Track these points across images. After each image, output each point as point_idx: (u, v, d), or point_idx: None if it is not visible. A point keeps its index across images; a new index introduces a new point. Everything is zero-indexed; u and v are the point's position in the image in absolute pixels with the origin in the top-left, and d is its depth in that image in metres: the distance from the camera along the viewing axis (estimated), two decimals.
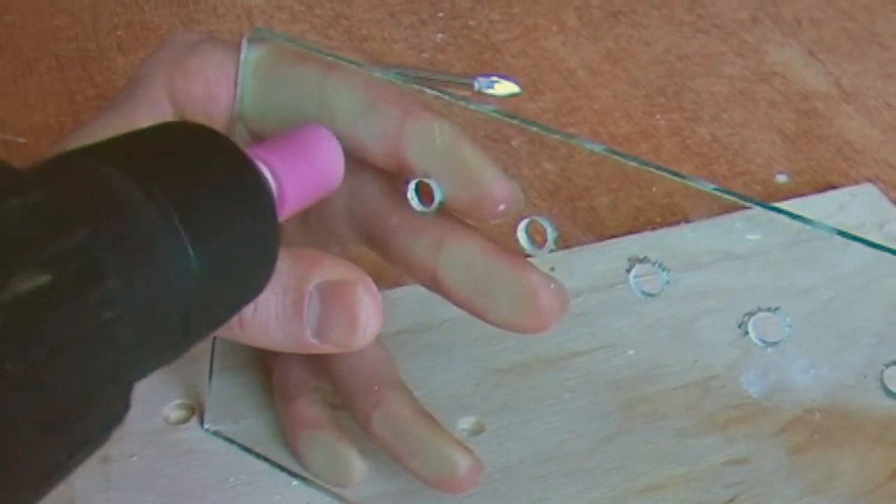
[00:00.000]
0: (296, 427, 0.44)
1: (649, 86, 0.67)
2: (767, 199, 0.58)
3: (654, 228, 0.55)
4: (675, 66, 0.69)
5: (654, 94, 0.66)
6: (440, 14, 0.72)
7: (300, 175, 0.36)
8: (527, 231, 0.37)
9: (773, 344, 0.38)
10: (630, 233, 0.55)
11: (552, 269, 0.50)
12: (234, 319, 0.36)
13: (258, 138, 0.39)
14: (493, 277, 0.38)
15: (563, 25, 0.72)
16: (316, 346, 0.36)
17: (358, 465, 0.43)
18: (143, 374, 0.29)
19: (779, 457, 0.45)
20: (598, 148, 0.38)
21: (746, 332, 0.38)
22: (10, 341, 0.23)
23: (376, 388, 0.42)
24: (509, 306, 0.38)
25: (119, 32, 0.71)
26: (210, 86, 0.40)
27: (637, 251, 0.50)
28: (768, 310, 0.38)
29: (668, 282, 0.38)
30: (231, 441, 0.45)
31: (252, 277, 0.33)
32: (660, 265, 0.39)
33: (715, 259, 0.52)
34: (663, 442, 0.45)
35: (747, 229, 0.55)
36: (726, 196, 0.41)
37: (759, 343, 0.38)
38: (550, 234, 0.37)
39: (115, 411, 0.27)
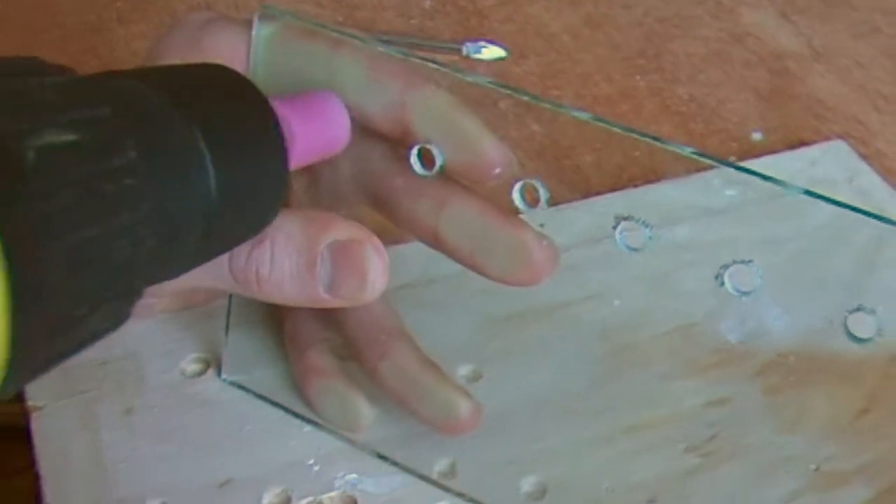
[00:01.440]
0: (307, 376, 0.47)
1: (629, 48, 0.70)
2: (743, 155, 0.61)
3: (636, 185, 0.58)
4: (654, 28, 0.71)
5: (633, 56, 0.69)
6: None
7: (310, 130, 0.39)
8: (521, 192, 0.40)
9: (747, 293, 0.41)
10: (613, 190, 0.58)
11: (542, 225, 0.53)
12: (252, 277, 0.39)
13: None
14: (489, 235, 0.41)
15: None
16: (328, 300, 0.39)
17: (366, 411, 0.46)
18: (163, 272, 0.32)
19: (755, 397, 0.48)
20: (584, 116, 0.41)
21: (723, 283, 0.41)
22: (41, 180, 0.26)
23: (383, 338, 0.45)
24: (505, 262, 0.41)
25: (118, 4, 0.73)
26: (224, 61, 0.43)
27: (621, 208, 0.53)
28: (742, 262, 0.41)
29: (650, 237, 0.41)
30: (246, 390, 0.48)
31: (263, 207, 0.36)
32: (643, 222, 0.42)
33: (694, 214, 0.55)
34: (648, 385, 0.49)
35: (724, 185, 0.58)
36: (703, 159, 0.44)
37: (734, 292, 0.41)
38: (543, 194, 0.40)
39: (134, 281, 0.29)
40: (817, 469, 0.45)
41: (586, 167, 0.60)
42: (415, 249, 0.46)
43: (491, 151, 0.40)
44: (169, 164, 0.31)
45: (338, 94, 0.40)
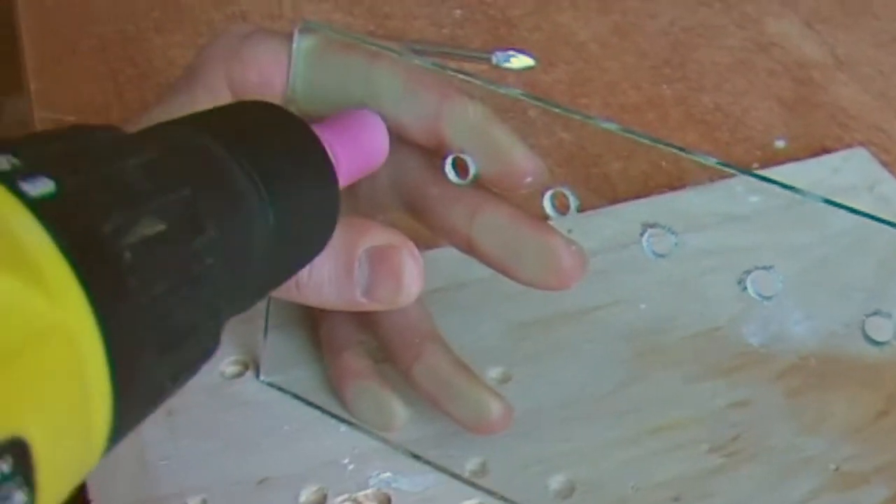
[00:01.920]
0: (343, 378, 0.48)
1: (655, 57, 0.71)
2: (766, 163, 0.62)
3: (661, 192, 0.59)
4: (680, 37, 0.73)
5: (660, 65, 0.70)
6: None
7: (352, 151, 0.41)
8: (551, 199, 0.42)
9: (768, 298, 0.42)
10: (639, 196, 0.59)
11: (570, 230, 0.55)
12: (292, 282, 0.41)
13: (308, 120, 0.44)
14: (520, 241, 0.42)
15: (574, 0, 0.76)
16: (364, 304, 0.41)
17: (400, 411, 0.47)
18: (232, 313, 0.34)
19: (777, 399, 0.50)
20: (612, 127, 0.42)
21: (745, 288, 0.43)
22: (138, 275, 0.27)
23: (417, 341, 0.46)
24: (536, 267, 0.42)
25: (155, 14, 0.75)
26: (264, 73, 0.45)
27: (647, 214, 0.55)
28: (763, 268, 0.42)
29: (676, 243, 0.43)
30: (283, 391, 0.49)
31: (318, 235, 0.38)
32: (669, 229, 0.44)
33: (718, 220, 0.56)
34: (673, 387, 0.50)
35: (747, 193, 0.59)
36: (724, 167, 0.46)
37: (756, 297, 0.42)
38: (572, 202, 0.42)
39: (210, 343, 0.32)
40: (837, 469, 0.47)
41: (613, 175, 0.61)
42: (446, 254, 0.48)
43: (522, 161, 0.42)
44: (240, 229, 0.33)
45: (374, 111, 0.42)
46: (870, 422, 0.49)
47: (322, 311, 0.50)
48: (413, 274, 0.41)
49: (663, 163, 0.58)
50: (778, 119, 0.66)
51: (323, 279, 0.41)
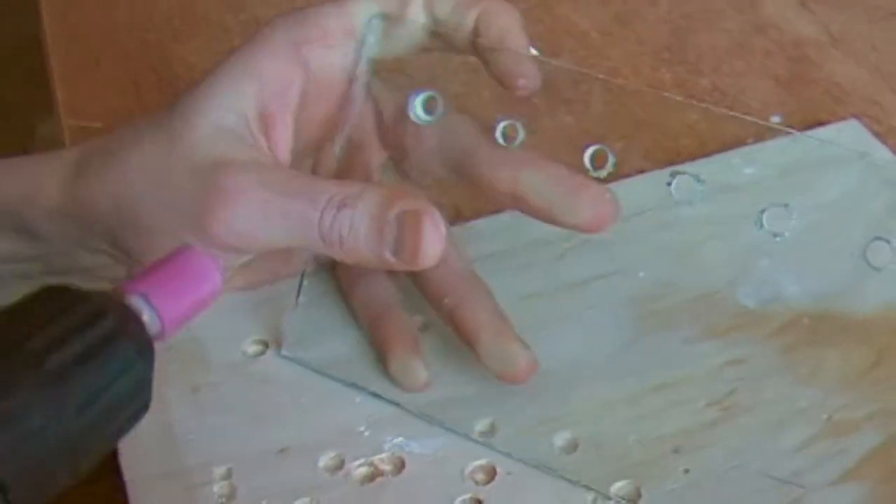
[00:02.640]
0: (386, 342, 0.52)
1: (655, 43, 0.73)
2: (761, 137, 0.64)
3: (661, 168, 0.62)
4: (679, 23, 0.75)
5: (659, 51, 0.73)
6: None
7: (178, 298, 0.42)
8: (592, 157, 0.48)
9: (781, 234, 0.47)
10: (640, 172, 0.61)
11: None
12: (336, 239, 0.45)
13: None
14: (562, 193, 0.48)
15: None
16: (392, 263, 0.45)
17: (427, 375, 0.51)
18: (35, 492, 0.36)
19: (772, 356, 0.52)
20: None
21: (762, 226, 0.48)
22: None
23: (461, 286, 0.51)
24: (576, 214, 0.48)
25: (174, 23, 0.78)
26: (327, 33, 0.50)
27: (645, 189, 0.58)
28: (780, 205, 0.47)
29: (702, 191, 0.48)
30: (304, 365, 0.52)
31: (127, 407, 0.40)
32: (696, 177, 0.48)
33: (714, 191, 0.59)
34: (671, 348, 0.52)
35: (743, 164, 0.61)
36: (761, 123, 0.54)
37: (771, 233, 0.47)
38: (610, 158, 0.48)
39: None
40: (829, 418, 0.49)
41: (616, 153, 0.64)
42: (455, 233, 0.51)
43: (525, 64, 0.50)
44: (22, 416, 0.35)
45: (202, 249, 0.45)
46: (862, 373, 0.51)
47: (355, 279, 0.54)
48: (433, 238, 0.45)
49: (661, 137, 0.61)
50: (774, 97, 0.69)
51: (360, 237, 0.45)
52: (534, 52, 0.66)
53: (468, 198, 0.57)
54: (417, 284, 0.53)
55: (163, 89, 0.72)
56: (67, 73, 0.74)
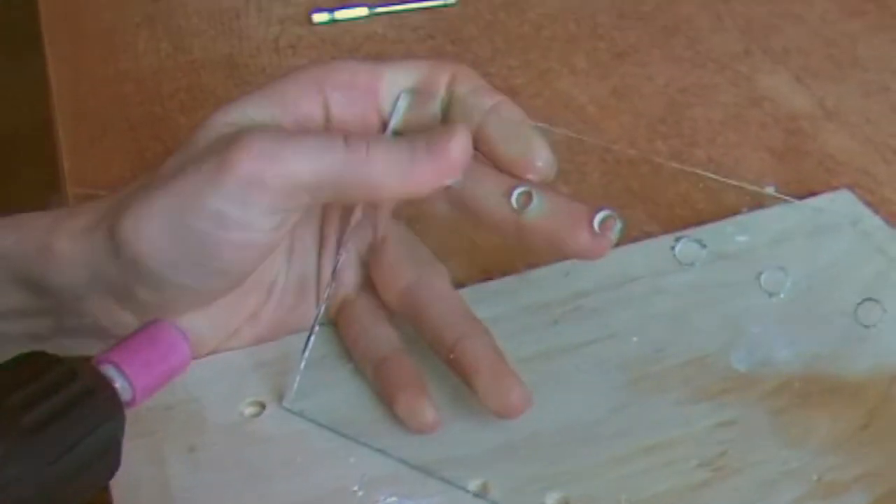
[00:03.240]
0: (391, 387, 0.53)
1: (651, 116, 0.75)
2: (756, 206, 0.65)
3: (655, 237, 0.63)
4: (675, 97, 0.77)
5: (656, 123, 0.74)
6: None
7: (149, 367, 0.46)
8: (601, 220, 0.49)
9: (776, 294, 0.49)
10: (633, 241, 0.62)
11: (567, 274, 0.58)
12: (362, 151, 0.48)
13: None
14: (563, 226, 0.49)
15: (573, 67, 0.80)
16: (424, 163, 0.48)
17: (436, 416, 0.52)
18: None
19: (762, 418, 0.52)
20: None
21: (760, 288, 0.49)
22: None
23: (460, 324, 0.53)
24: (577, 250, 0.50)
25: (180, 96, 0.79)
26: (353, 85, 0.52)
27: (638, 258, 0.59)
28: (777, 268, 0.49)
29: (705, 255, 0.50)
30: (305, 418, 0.53)
31: (98, 464, 0.43)
32: (699, 242, 0.50)
33: (707, 259, 0.60)
34: (663, 410, 0.53)
35: (735, 232, 0.62)
36: (736, 184, 0.54)
37: (766, 293, 0.49)
38: (618, 224, 0.49)
39: None
40: (819, 479, 0.49)
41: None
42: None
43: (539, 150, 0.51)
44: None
45: (172, 322, 0.49)
46: (851, 435, 0.51)
47: (358, 329, 0.56)
48: (464, 137, 0.49)
49: (655, 208, 0.62)
50: (768, 168, 0.70)
51: (387, 143, 0.49)
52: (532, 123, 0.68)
53: (462, 264, 0.58)
54: (418, 325, 0.54)
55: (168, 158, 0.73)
56: (75, 143, 0.75)
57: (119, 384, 0.45)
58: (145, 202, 0.49)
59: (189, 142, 0.51)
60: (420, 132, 0.50)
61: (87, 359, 0.45)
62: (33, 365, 0.42)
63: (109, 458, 0.43)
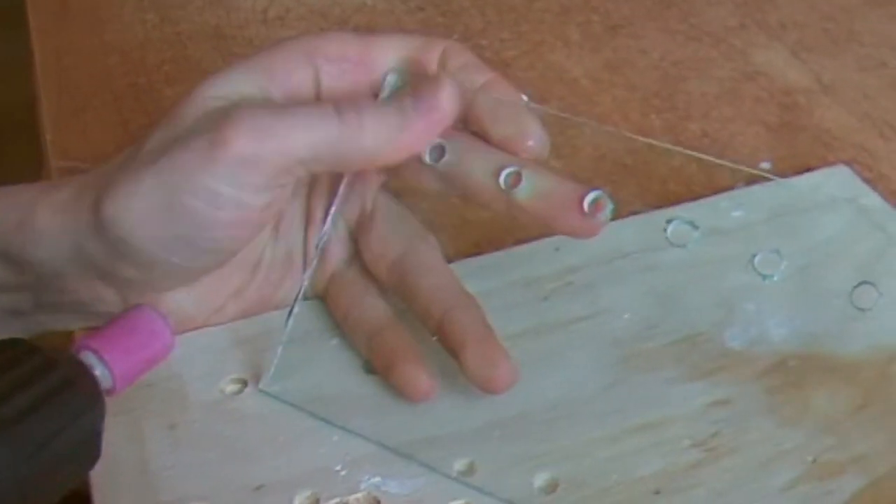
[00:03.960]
0: (388, 357, 0.52)
1: (645, 90, 0.73)
2: (750, 182, 0.64)
3: (647, 211, 0.61)
4: (669, 71, 0.75)
5: (649, 97, 0.73)
6: (455, 35, 0.79)
7: (129, 355, 0.45)
8: (592, 201, 0.48)
9: (770, 276, 0.47)
10: (625, 216, 0.61)
11: (557, 249, 0.57)
12: (355, 117, 0.47)
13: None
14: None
15: (566, 40, 0.79)
16: (415, 119, 0.48)
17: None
18: None
19: (758, 397, 0.51)
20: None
21: (753, 270, 0.48)
22: None
23: (450, 297, 0.52)
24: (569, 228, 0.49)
25: (166, 68, 0.78)
26: (344, 57, 0.51)
27: (631, 233, 0.57)
28: (772, 251, 0.47)
29: (697, 237, 0.48)
30: (281, 401, 0.51)
31: (78, 455, 0.42)
32: (691, 223, 0.48)
33: (702, 234, 0.58)
34: (655, 389, 0.52)
35: (731, 208, 0.61)
36: (728, 164, 0.52)
37: (760, 276, 0.47)
38: (609, 205, 0.47)
39: None
40: (814, 460, 0.48)
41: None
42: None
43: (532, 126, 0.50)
44: None
45: (153, 308, 0.47)
46: (847, 415, 0.50)
47: (348, 302, 0.54)
48: (451, 87, 0.48)
49: (648, 181, 0.61)
50: (764, 143, 0.68)
51: (379, 106, 0.48)
52: (523, 97, 0.66)
53: (452, 238, 0.57)
54: (407, 298, 0.53)
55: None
56: (58, 116, 0.74)
57: (99, 372, 0.44)
58: (133, 180, 0.48)
59: (175, 115, 0.50)
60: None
61: (66, 346, 0.44)
62: (10, 353, 0.41)
63: (90, 448, 0.42)
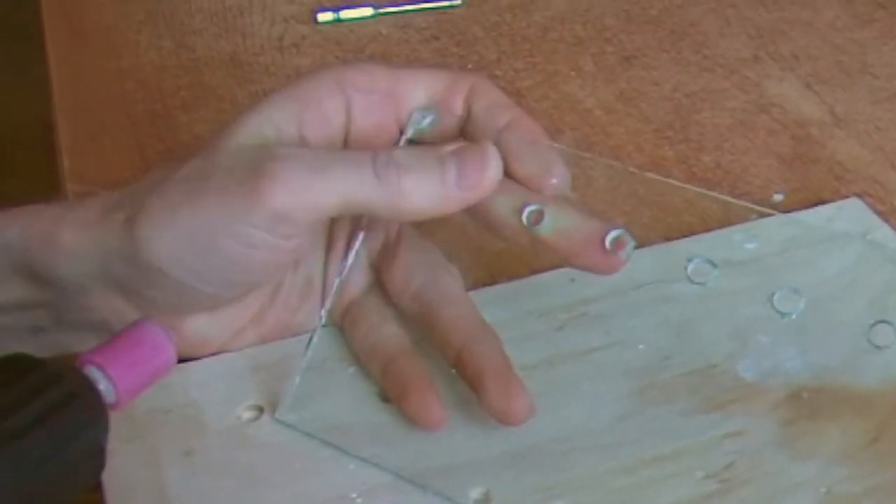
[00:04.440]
0: (401, 386, 0.52)
1: (659, 121, 0.74)
2: (764, 215, 0.64)
3: (659, 243, 0.62)
4: (682, 102, 0.76)
5: (663, 129, 0.73)
6: (469, 65, 0.80)
7: (133, 369, 0.45)
8: (613, 239, 0.48)
9: (789, 315, 0.48)
10: (640, 247, 0.61)
11: (573, 279, 0.57)
12: (393, 177, 0.47)
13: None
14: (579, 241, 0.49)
15: (580, 70, 0.79)
16: (455, 191, 0.48)
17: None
18: None
19: (771, 429, 0.51)
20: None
21: (772, 307, 0.48)
22: None
23: (470, 328, 0.52)
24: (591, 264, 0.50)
25: (182, 94, 0.78)
26: (374, 88, 0.52)
27: (646, 263, 0.58)
28: (790, 289, 0.48)
29: (717, 275, 0.49)
30: (298, 430, 0.52)
31: (82, 468, 0.42)
32: (709, 261, 0.49)
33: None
34: (669, 420, 0.52)
35: (744, 240, 0.61)
36: (739, 203, 0.56)
37: (778, 314, 0.48)
38: (630, 243, 0.48)
39: None
40: (828, 492, 0.48)
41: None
42: None
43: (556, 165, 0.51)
44: None
45: (156, 322, 0.47)
46: (861, 448, 0.50)
47: (364, 328, 0.55)
48: (495, 162, 0.48)
49: (662, 213, 0.61)
50: (777, 175, 0.69)
51: (419, 167, 0.48)
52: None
53: (467, 267, 0.57)
54: (427, 327, 0.53)
55: (168, 157, 0.72)
56: (75, 141, 0.74)
57: (103, 386, 0.44)
58: (168, 212, 0.49)
59: (212, 147, 0.51)
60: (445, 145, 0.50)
61: (71, 361, 0.44)
62: (15, 367, 0.42)
63: (93, 462, 0.42)
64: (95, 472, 0.43)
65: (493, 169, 0.48)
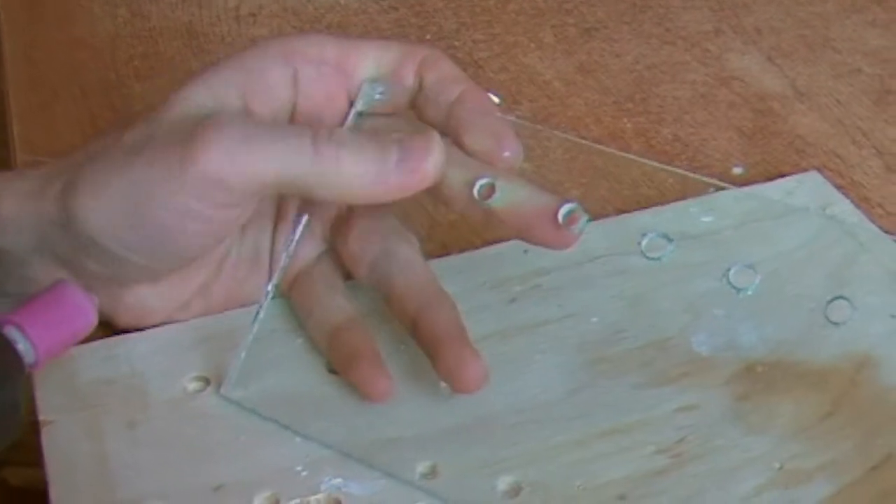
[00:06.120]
0: (348, 358, 0.51)
1: (618, 93, 0.73)
2: (722, 188, 0.63)
3: (616, 215, 0.61)
4: (643, 74, 0.75)
5: (622, 101, 0.72)
6: (427, 36, 0.79)
7: (52, 330, 0.45)
8: (566, 213, 0.47)
9: (745, 290, 0.46)
10: (598, 219, 0.60)
11: (526, 251, 0.56)
12: (332, 155, 0.46)
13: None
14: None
15: (540, 42, 0.78)
16: (394, 175, 0.47)
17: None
18: None
19: (724, 403, 0.51)
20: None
21: (728, 283, 0.46)
22: None
23: (426, 295, 0.52)
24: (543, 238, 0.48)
25: (135, 63, 0.77)
26: (322, 59, 0.51)
27: (602, 235, 0.57)
28: (746, 265, 0.46)
29: (671, 250, 0.47)
30: (241, 407, 0.51)
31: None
32: (664, 235, 0.47)
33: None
34: (622, 394, 0.51)
35: (700, 213, 0.61)
36: (691, 176, 0.55)
37: (734, 289, 0.46)
38: (583, 218, 0.47)
39: None
40: (781, 467, 0.48)
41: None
42: None
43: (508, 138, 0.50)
44: None
45: (76, 284, 0.47)
46: (815, 423, 0.50)
47: (312, 299, 0.54)
48: (438, 150, 0.47)
49: (618, 185, 0.60)
50: (737, 148, 0.68)
51: (360, 149, 0.47)
52: (495, 99, 0.66)
53: (420, 239, 0.56)
54: (384, 295, 0.53)
55: (120, 126, 0.71)
56: (26, 110, 0.73)
57: (21, 346, 0.43)
58: (101, 182, 0.48)
59: (153, 116, 0.50)
60: (390, 130, 0.49)
61: None
62: None
63: (9, 422, 0.42)
64: (11, 432, 0.42)
65: (436, 156, 0.47)
